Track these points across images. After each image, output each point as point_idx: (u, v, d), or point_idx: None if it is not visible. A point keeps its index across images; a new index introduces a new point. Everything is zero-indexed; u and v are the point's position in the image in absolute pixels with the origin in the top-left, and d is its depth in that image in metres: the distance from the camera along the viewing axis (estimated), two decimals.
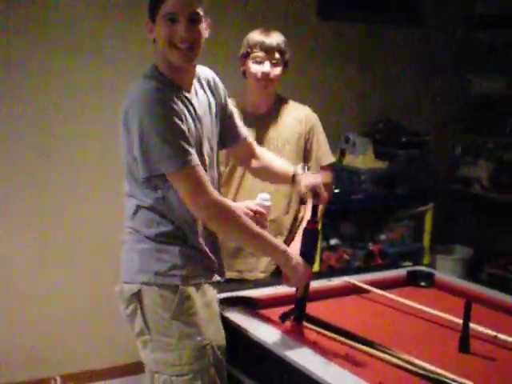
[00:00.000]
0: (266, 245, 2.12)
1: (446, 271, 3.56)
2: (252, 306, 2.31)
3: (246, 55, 2.83)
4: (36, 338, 3.75)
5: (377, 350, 1.98)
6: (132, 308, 2.12)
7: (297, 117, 2.94)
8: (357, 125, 4.75)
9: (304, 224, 2.33)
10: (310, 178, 2.31)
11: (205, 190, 2.01)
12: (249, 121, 2.80)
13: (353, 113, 4.78)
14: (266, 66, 2.79)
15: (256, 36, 2.81)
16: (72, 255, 3.78)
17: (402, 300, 2.41)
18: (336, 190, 4.21)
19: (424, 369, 1.86)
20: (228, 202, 2.16)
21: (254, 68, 2.81)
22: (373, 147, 4.50)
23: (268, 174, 2.52)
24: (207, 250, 2.17)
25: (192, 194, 2.01)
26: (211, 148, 2.22)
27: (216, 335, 2.11)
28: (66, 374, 3.74)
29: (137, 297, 2.10)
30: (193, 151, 2.01)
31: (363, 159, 4.40)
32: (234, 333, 2.15)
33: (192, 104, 2.11)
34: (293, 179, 2.39)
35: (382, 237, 4.60)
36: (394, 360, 1.92)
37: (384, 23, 4.79)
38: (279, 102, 2.96)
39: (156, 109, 1.97)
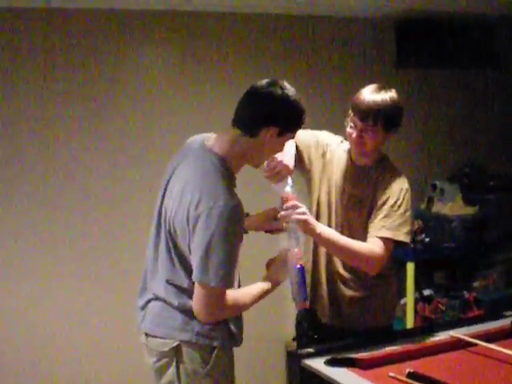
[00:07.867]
0: (259, 297, 2.33)
1: None
2: (356, 366, 2.25)
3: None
4: None
5: None
6: (165, 361, 2.26)
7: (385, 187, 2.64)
8: (442, 170, 4.68)
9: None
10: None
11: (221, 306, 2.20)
12: (346, 169, 2.71)
13: (438, 158, 4.72)
14: (357, 133, 2.58)
15: (358, 95, 2.59)
16: None
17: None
18: (427, 239, 4.14)
19: None
20: (230, 297, 2.21)
21: (348, 130, 2.63)
22: (461, 193, 4.42)
23: None
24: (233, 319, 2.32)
25: (211, 308, 2.19)
26: None
27: None
28: None
29: (174, 352, 2.23)
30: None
31: (452, 206, 4.32)
32: None
33: None
34: None
35: (476, 284, 4.49)
36: None
37: (463, 67, 4.72)
38: (379, 164, 2.70)
39: (231, 231, 2.13)
